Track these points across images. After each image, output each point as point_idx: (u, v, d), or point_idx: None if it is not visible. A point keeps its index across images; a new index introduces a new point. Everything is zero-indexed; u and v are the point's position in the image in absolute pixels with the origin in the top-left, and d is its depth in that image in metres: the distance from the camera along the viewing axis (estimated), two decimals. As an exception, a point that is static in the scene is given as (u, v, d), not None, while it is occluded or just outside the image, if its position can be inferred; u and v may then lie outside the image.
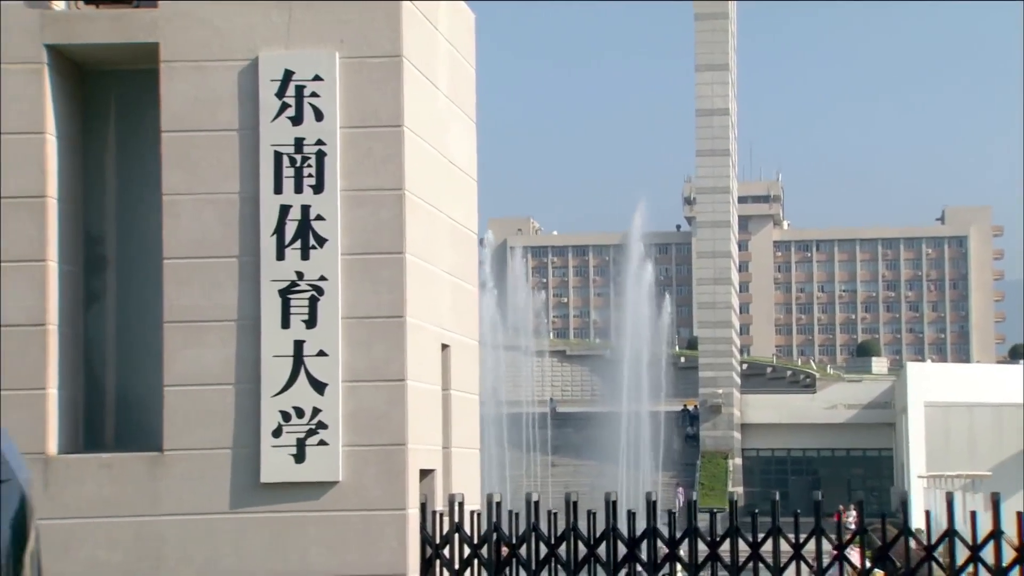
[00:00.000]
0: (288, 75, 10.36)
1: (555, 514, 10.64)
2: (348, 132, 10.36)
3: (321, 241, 10.35)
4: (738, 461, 76.35)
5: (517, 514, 10.63)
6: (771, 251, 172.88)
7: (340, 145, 10.34)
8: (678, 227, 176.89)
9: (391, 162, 10.39)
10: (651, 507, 10.58)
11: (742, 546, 10.55)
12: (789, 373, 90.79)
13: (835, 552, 10.50)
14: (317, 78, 10.35)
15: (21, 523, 3.87)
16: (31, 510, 3.95)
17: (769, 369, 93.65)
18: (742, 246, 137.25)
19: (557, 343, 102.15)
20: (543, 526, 10.52)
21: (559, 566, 10.48)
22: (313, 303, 10.32)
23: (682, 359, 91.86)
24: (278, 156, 10.38)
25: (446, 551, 10.64)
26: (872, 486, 73.47)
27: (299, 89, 10.36)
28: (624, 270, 70.85)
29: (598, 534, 10.46)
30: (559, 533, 10.49)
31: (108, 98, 10.90)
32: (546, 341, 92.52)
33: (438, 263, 11.24)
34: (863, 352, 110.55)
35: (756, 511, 10.70)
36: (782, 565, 10.50)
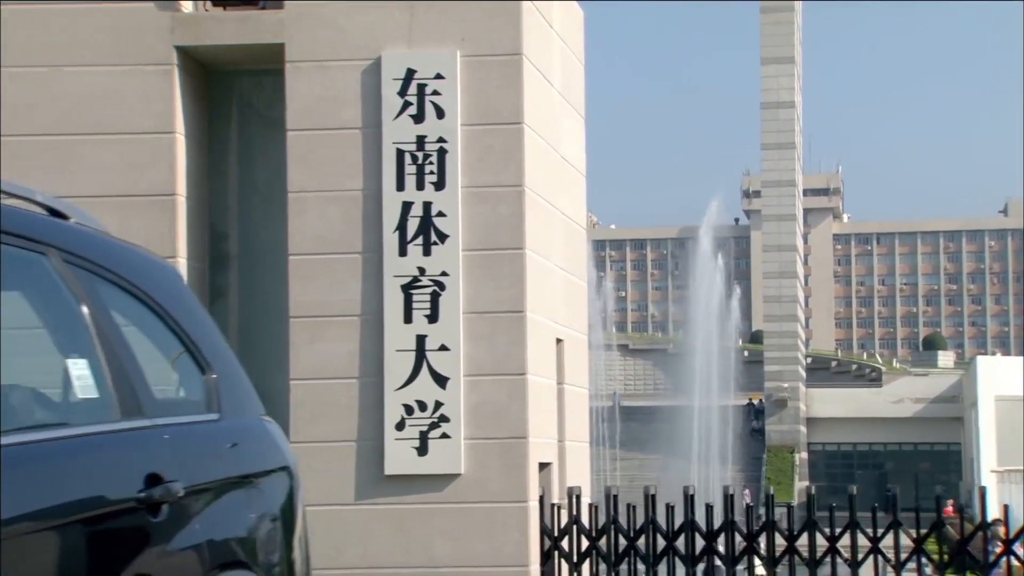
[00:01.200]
0: (410, 74, 10.53)
1: (634, 507, 10.75)
2: (469, 129, 10.52)
3: (443, 237, 10.51)
4: (804, 455, 76.09)
5: (596, 507, 10.77)
6: (831, 244, 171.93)
7: (461, 142, 10.50)
8: (736, 221, 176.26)
9: (511, 159, 10.54)
10: (728, 501, 10.67)
11: (820, 540, 10.63)
12: (854, 367, 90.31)
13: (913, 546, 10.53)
14: (439, 76, 10.52)
15: (291, 509, 4.06)
16: (299, 496, 4.13)
17: (834, 363, 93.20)
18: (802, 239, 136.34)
19: (620, 337, 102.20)
20: (622, 519, 10.64)
21: (638, 558, 10.59)
22: (435, 298, 10.50)
23: (745, 353, 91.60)
24: (400, 153, 10.55)
25: (564, 543, 10.79)
26: (940, 480, 73.04)
27: (421, 87, 10.53)
28: (690, 263, 70.74)
29: (675, 527, 10.56)
30: (638, 527, 10.60)
31: (230, 97, 11.12)
32: (611, 335, 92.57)
33: (553, 258, 11.39)
34: (929, 346, 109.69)
35: (834, 505, 10.75)
36: (859, 559, 10.56)
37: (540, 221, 10.95)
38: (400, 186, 10.54)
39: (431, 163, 10.55)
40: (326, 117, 10.54)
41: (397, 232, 10.52)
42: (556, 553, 10.81)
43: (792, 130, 72.91)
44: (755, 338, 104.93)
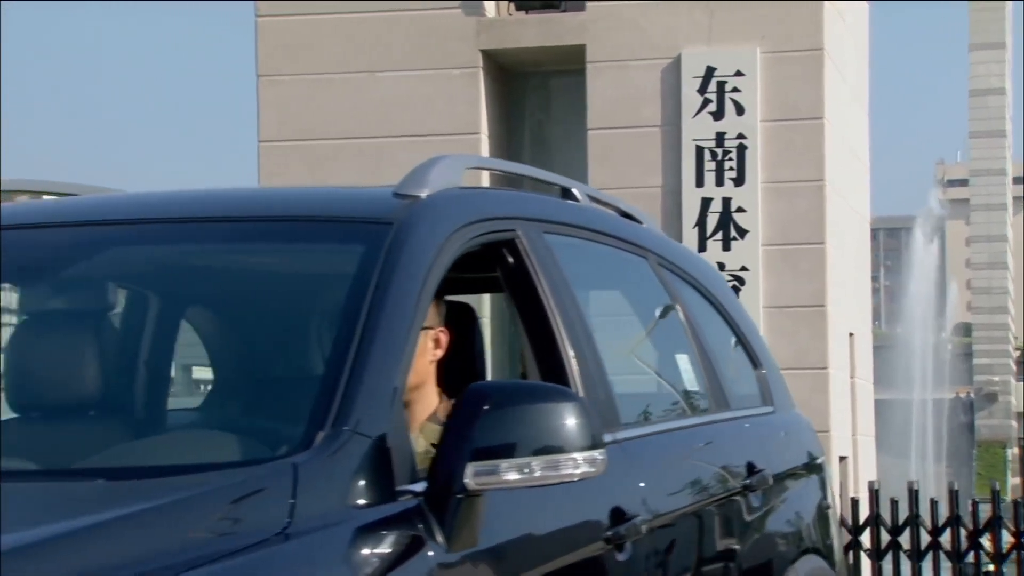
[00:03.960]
0: (710, 71, 10.65)
1: (896, 502, 10.66)
2: (768, 125, 10.60)
3: (742, 232, 10.61)
4: (1015, 451, 74.26)
5: (857, 500, 10.70)
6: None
7: (760, 138, 10.59)
8: (926, 210, 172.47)
9: (811, 154, 10.59)
10: (953, 496, 10.53)
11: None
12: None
13: None
14: (739, 73, 10.62)
15: (828, 497, 4.29)
16: (831, 488, 4.35)
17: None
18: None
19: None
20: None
21: (902, 553, 10.51)
22: (735, 293, 10.59)
23: (949, 345, 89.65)
24: (699, 150, 10.69)
25: (863, 537, 10.79)
26: None
27: (721, 85, 10.64)
28: (903, 254, 69.51)
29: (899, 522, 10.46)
30: (900, 522, 10.51)
31: (525, 98, 11.38)
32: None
33: (846, 252, 11.41)
34: None
35: None
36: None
37: (837, 215, 10.99)
38: (699, 182, 10.67)
39: (731, 159, 10.66)
40: (626, 116, 10.72)
41: (696, 228, 10.65)
42: (856, 547, 10.82)
43: (1002, 117, 71.22)
44: (956, 331, 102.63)
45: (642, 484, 3.19)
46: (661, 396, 3.85)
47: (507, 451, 2.55)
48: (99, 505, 2.34)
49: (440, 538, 2.54)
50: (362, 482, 2.50)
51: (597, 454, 2.63)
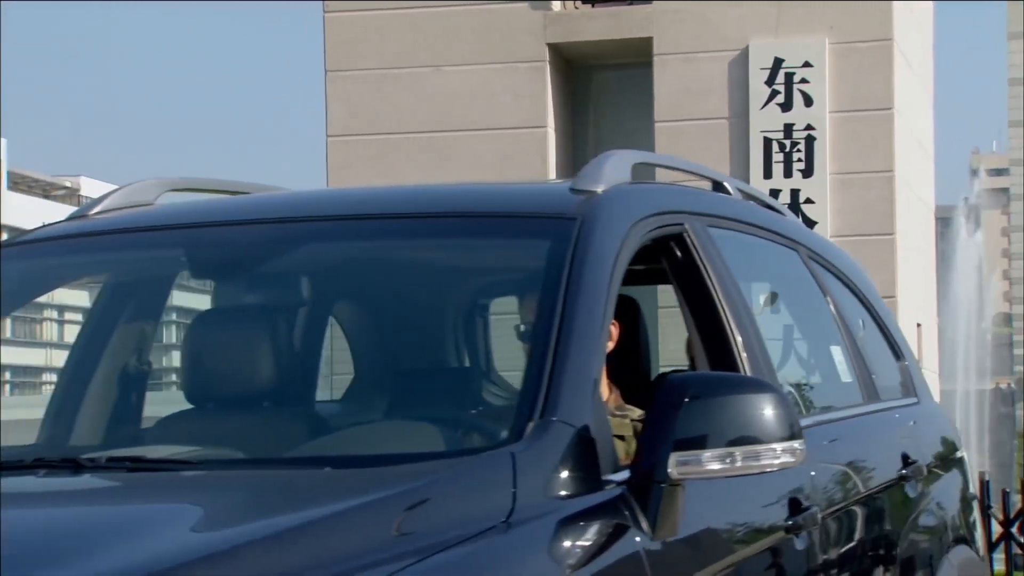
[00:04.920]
0: (778, 63, 10.61)
1: (1007, 493, 10.63)
2: (837, 116, 10.56)
3: (811, 224, 10.55)
4: (1056, 441, 73.87)
5: None
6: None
7: (829, 129, 10.56)
8: (965, 199, 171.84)
9: (880, 145, 10.55)
10: None
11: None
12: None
13: None
14: (807, 64, 10.58)
15: (969, 488, 4.33)
16: (969, 478, 4.38)
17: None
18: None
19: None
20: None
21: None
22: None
23: (988, 336, 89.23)
24: (767, 142, 10.65)
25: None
26: None
27: (788, 76, 10.61)
28: (938, 244, 69.20)
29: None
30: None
31: (590, 91, 11.37)
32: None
33: (913, 242, 11.37)
34: None
35: None
36: None
37: (906, 205, 10.94)
38: (767, 174, 10.64)
39: (799, 151, 10.62)
40: (693, 108, 10.70)
41: (765, 220, 10.62)
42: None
43: (1042, 106, 70.78)
44: (995, 320, 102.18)
45: (813, 473, 3.23)
46: (819, 387, 3.88)
47: (705, 441, 2.60)
48: (342, 493, 2.40)
49: (645, 525, 2.59)
50: (572, 471, 2.55)
51: (797, 444, 2.68)
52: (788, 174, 10.63)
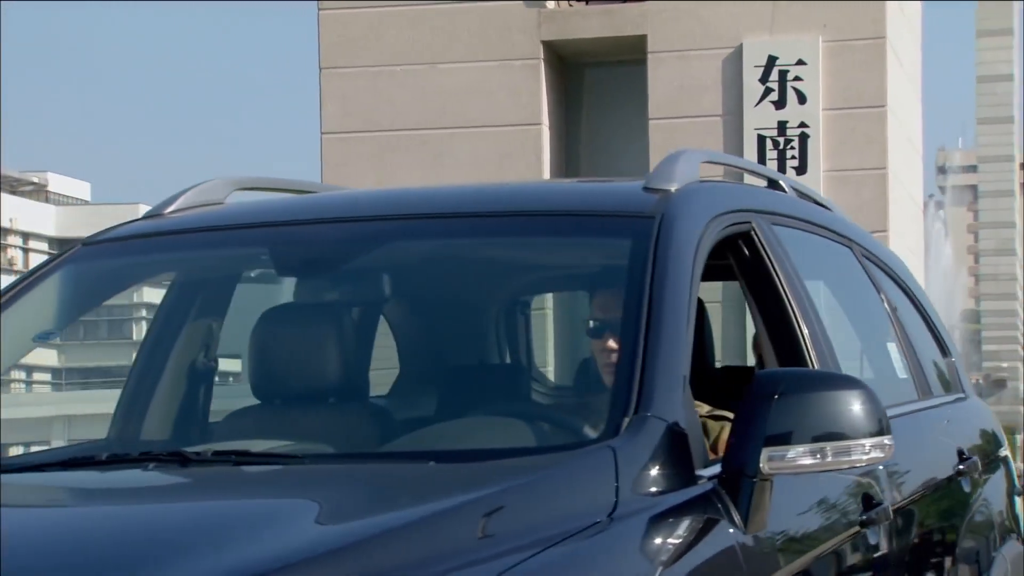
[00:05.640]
0: (772, 60, 10.66)
1: None
2: (830, 114, 10.62)
3: (805, 221, 10.64)
4: (1024, 436, 74.45)
5: None
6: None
7: (822, 127, 10.61)
8: (931, 197, 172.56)
9: (874, 142, 10.61)
10: None
11: None
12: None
13: None
14: (800, 62, 10.63)
15: (1017, 486, 4.38)
16: (1013, 472, 4.43)
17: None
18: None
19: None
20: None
21: None
22: (798, 282, 10.63)
23: (956, 332, 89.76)
24: (761, 139, 10.70)
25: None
26: None
27: (782, 74, 10.65)
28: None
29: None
30: None
31: (585, 89, 11.39)
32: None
33: (906, 240, 11.44)
34: None
35: None
36: None
37: (899, 203, 11.01)
38: (761, 172, 10.68)
39: (792, 148, 10.68)
40: (687, 105, 10.73)
41: (759, 217, 10.67)
42: None
43: (1010, 104, 71.27)
44: (963, 317, 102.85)
45: (881, 467, 3.26)
46: (877, 384, 3.93)
47: (796, 437, 2.63)
48: (453, 487, 2.44)
49: (737, 520, 2.63)
50: (666, 466, 2.59)
51: (886, 440, 2.71)
52: (782, 171, 10.66)
